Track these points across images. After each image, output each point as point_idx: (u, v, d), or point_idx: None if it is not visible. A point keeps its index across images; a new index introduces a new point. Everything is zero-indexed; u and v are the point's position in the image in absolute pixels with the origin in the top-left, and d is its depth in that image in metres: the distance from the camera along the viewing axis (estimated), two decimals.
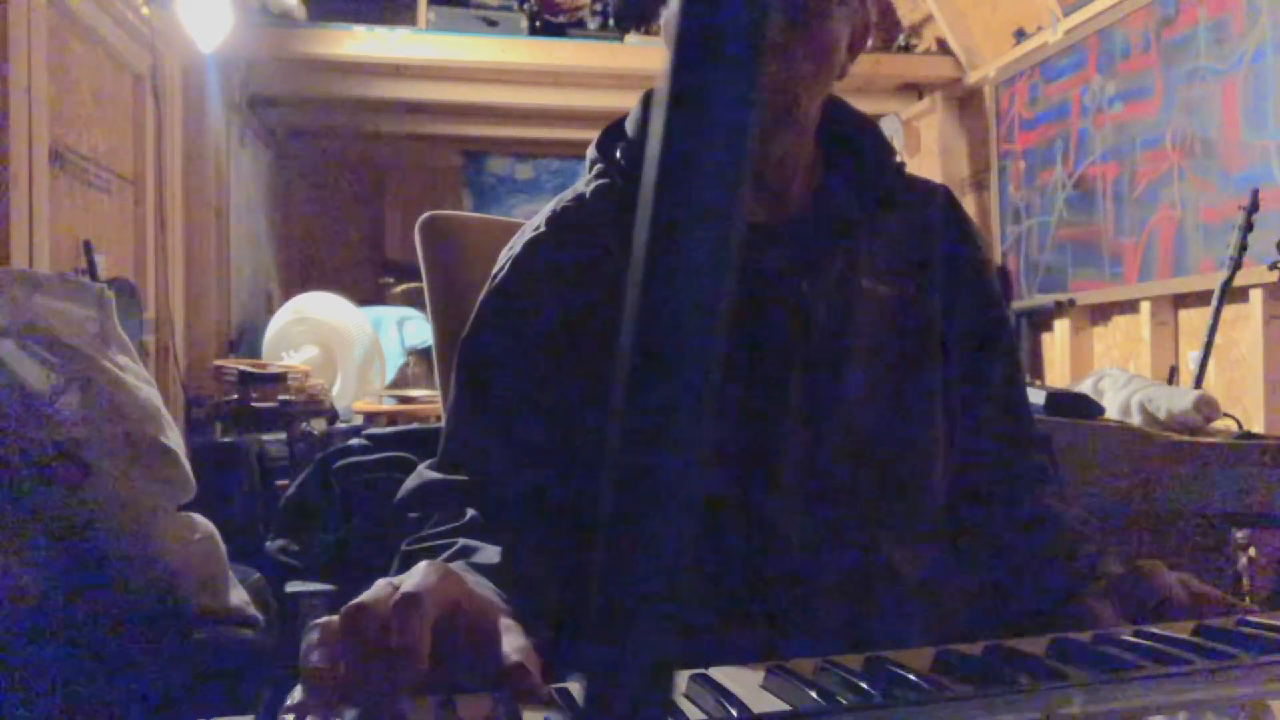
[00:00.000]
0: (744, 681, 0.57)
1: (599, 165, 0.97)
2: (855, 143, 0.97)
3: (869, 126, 0.99)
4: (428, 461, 0.91)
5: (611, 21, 4.03)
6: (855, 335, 0.90)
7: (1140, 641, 0.62)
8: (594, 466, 0.85)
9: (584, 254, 0.91)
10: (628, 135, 0.97)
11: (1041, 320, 3.69)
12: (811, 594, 0.85)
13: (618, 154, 0.94)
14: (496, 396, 0.90)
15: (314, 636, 0.52)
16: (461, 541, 0.76)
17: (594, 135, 0.99)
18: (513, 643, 0.56)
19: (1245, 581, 1.85)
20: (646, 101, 0.98)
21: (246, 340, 4.04)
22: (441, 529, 0.79)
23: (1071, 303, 3.46)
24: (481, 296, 0.95)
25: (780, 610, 0.84)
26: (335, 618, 0.52)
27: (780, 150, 0.92)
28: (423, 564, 0.56)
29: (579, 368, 0.88)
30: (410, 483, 0.89)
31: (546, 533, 0.84)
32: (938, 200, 1.00)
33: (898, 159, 0.98)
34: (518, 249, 0.95)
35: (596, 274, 0.90)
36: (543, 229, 0.94)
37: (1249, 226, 2.33)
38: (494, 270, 0.96)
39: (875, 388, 0.90)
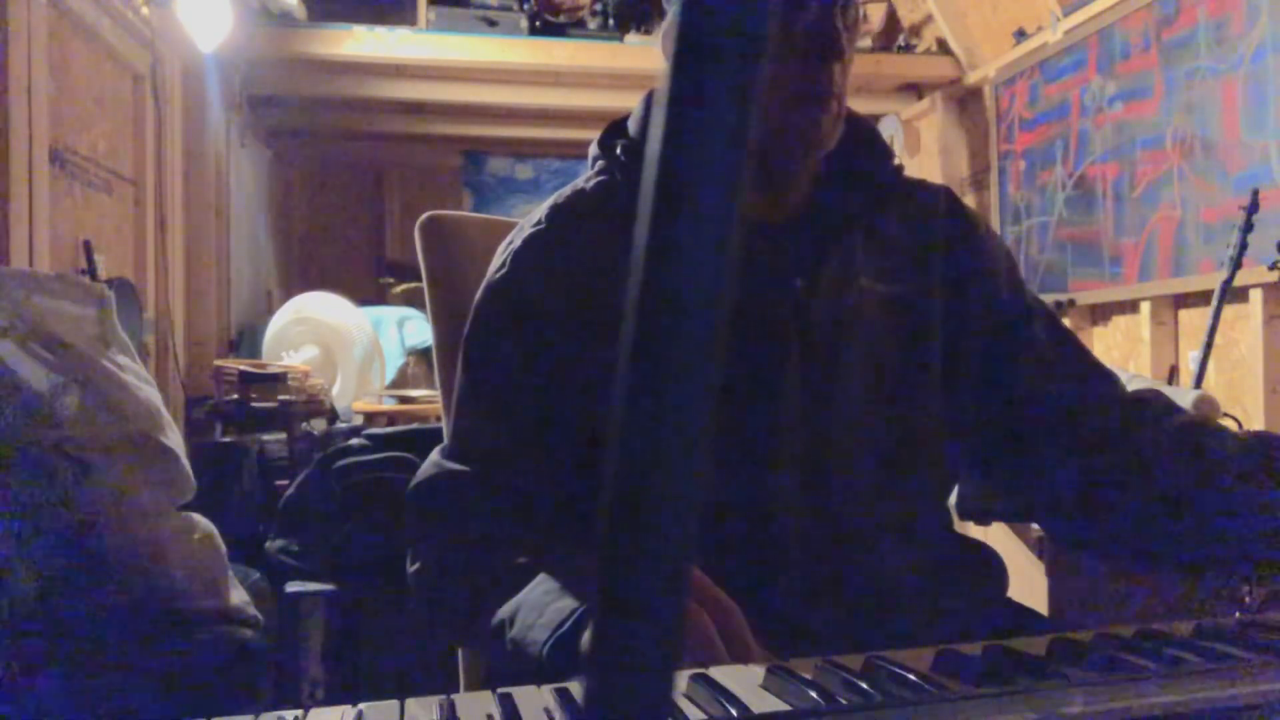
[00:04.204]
0: (744, 681, 0.57)
1: (600, 162, 0.98)
2: (853, 143, 0.97)
3: (866, 127, 0.99)
4: (440, 447, 0.93)
5: (611, 21, 4.03)
6: (853, 333, 0.90)
7: (1140, 642, 0.62)
8: (595, 459, 0.85)
9: (583, 248, 0.92)
10: (629, 133, 0.98)
11: None
12: (808, 591, 0.86)
13: (618, 151, 0.95)
14: (500, 388, 0.91)
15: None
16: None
17: (594, 135, 1.01)
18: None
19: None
20: (649, 101, 0.99)
21: (246, 340, 4.04)
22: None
23: (1071, 303, 3.45)
24: (481, 290, 0.96)
25: (778, 606, 0.84)
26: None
27: (808, 170, 0.95)
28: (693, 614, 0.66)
29: (579, 361, 0.89)
30: (426, 471, 0.90)
31: (551, 523, 0.86)
32: (938, 200, 1.00)
33: (895, 160, 0.99)
34: (517, 243, 0.95)
35: (595, 268, 0.90)
36: (542, 223, 0.95)
37: (1249, 226, 2.32)
38: (494, 264, 0.97)
39: (873, 386, 0.91)
